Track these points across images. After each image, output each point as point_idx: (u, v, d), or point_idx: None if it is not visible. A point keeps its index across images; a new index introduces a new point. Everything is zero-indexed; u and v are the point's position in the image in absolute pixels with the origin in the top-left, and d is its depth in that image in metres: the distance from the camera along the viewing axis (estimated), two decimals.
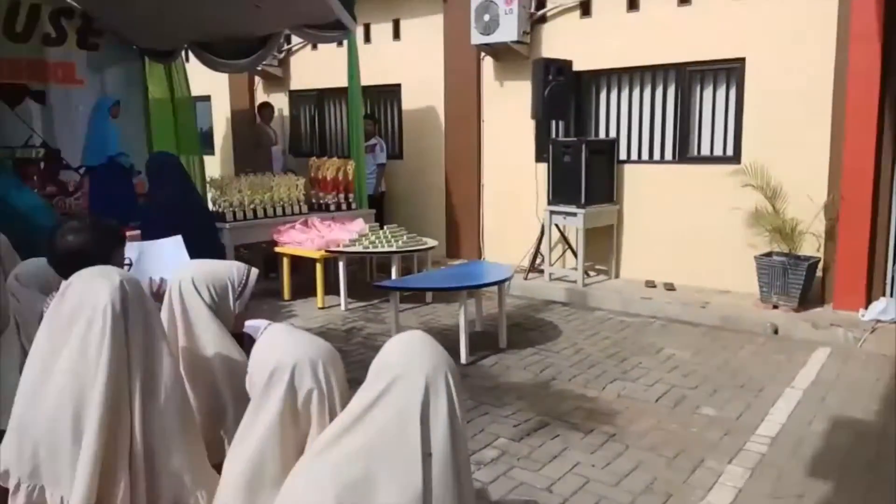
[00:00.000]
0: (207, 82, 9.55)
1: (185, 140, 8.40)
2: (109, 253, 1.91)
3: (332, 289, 6.61)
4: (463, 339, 4.92)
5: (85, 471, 1.38)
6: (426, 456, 1.22)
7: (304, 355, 1.38)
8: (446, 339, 5.48)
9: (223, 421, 1.75)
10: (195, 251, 3.16)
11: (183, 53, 8.28)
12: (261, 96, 10.09)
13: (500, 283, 5.31)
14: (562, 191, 6.89)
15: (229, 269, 1.85)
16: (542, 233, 7.16)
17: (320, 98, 9.60)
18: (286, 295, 6.73)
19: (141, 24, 7.49)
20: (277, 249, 6.65)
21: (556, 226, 7.14)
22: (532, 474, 3.40)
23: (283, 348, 1.41)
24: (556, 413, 4.14)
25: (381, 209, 8.18)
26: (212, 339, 1.75)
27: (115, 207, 6.16)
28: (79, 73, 7.92)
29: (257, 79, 10.03)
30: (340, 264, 6.37)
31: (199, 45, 7.60)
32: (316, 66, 9.32)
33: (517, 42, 7.29)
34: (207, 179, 6.72)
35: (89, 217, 2.09)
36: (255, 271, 1.90)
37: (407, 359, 1.28)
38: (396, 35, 8.58)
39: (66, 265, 1.88)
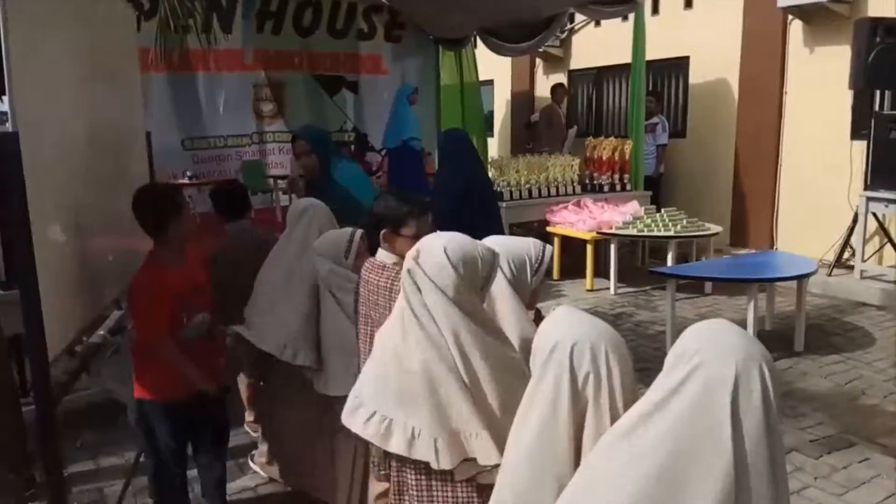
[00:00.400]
0: (491, 67, 9.98)
1: (471, 123, 8.87)
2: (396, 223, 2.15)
3: (601, 272, 6.49)
4: None
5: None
6: (738, 456, 1.08)
7: (585, 337, 1.32)
8: None
9: None
10: (480, 226, 3.30)
11: (472, 40, 8.73)
12: (540, 78, 10.24)
13: (800, 278, 4.68)
14: (885, 173, 5.81)
15: (528, 246, 1.90)
16: (855, 222, 6.13)
17: (599, 76, 9.41)
18: (555, 275, 6.77)
19: (437, 15, 8.08)
20: (549, 229, 6.71)
21: (874, 215, 6.05)
22: (833, 498, 2.95)
23: (564, 328, 1.37)
24: (865, 433, 3.52)
25: (658, 191, 7.77)
26: (510, 313, 1.81)
27: (408, 185, 6.76)
28: (384, 64, 8.85)
29: (538, 60, 10.18)
30: (612, 247, 6.20)
31: (486, 31, 7.96)
32: (597, 44, 9.14)
33: (836, 1, 6.28)
34: (489, 160, 7.04)
35: (401, 192, 2.30)
36: (549, 248, 1.92)
37: (712, 346, 1.15)
38: (688, 3, 7.99)
39: (378, 231, 2.12)
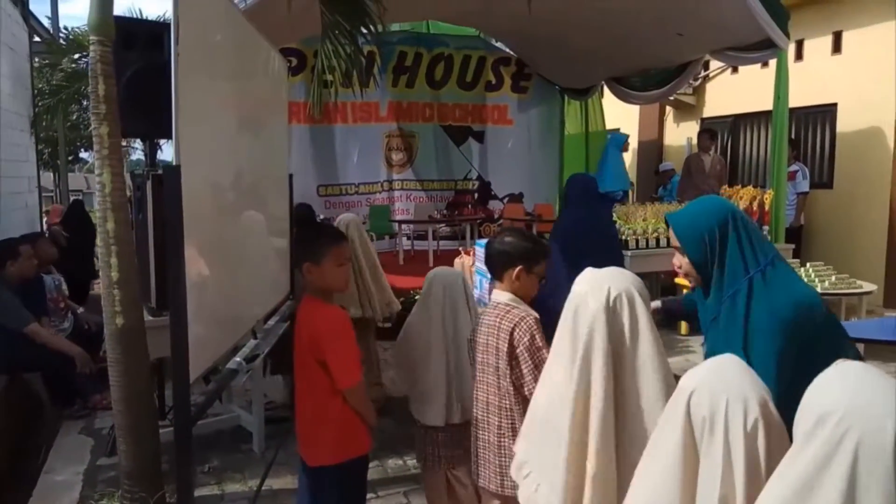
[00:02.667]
0: (617, 114, 9.87)
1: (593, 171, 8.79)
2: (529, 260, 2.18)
3: None
4: None
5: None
6: None
7: (706, 382, 1.17)
8: None
9: None
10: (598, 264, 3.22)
11: (599, 89, 8.70)
12: (670, 126, 9.97)
13: None
14: None
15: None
16: None
17: (735, 124, 9.01)
18: (683, 329, 6.41)
19: (565, 66, 8.14)
20: (678, 280, 6.38)
21: None
22: None
23: (695, 374, 1.21)
24: None
25: (799, 244, 7.22)
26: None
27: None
28: (510, 114, 9.02)
29: (668, 108, 9.94)
30: None
31: (614, 79, 7.89)
32: (733, 91, 8.79)
33: None
34: (613, 208, 6.88)
35: (523, 231, 2.34)
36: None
37: (851, 398, 0.95)
38: (836, 48, 7.52)
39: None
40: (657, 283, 7.03)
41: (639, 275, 5.46)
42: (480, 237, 7.38)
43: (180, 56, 2.00)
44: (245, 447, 3.77)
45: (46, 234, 5.30)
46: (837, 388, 0.99)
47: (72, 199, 11.21)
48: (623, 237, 6.43)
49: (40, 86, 9.87)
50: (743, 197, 6.74)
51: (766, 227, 6.78)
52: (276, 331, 3.18)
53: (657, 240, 6.52)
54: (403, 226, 8.14)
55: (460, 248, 5.93)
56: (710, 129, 8.66)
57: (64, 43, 10.38)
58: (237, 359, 2.64)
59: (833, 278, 5.53)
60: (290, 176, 3.90)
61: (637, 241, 6.43)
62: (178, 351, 1.96)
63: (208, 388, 2.99)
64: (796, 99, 7.13)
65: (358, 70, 7.15)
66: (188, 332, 1.99)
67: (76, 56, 9.46)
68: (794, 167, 7.32)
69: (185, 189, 1.98)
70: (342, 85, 7.02)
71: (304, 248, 2.28)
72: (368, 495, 3.21)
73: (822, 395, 1.00)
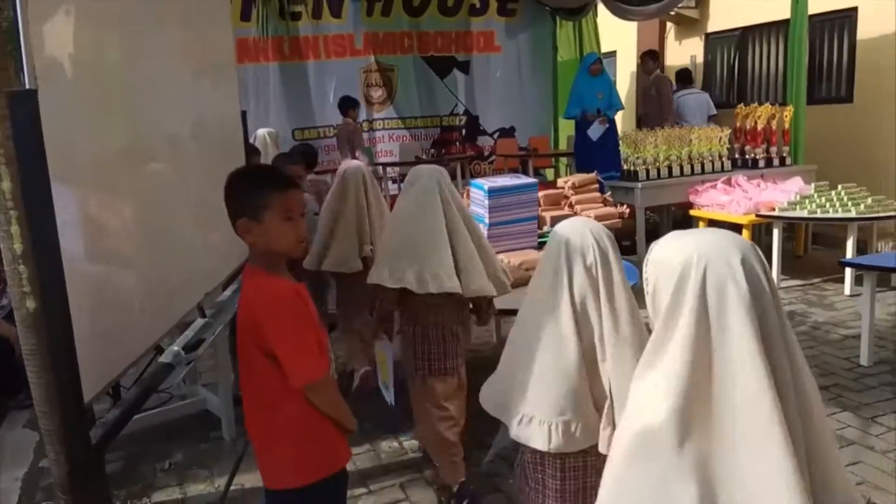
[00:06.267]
0: (613, 36, 9.09)
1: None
2: None
3: None
4: None
5: None
6: None
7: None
8: None
9: None
10: None
11: (593, 7, 7.93)
12: (671, 44, 9.18)
13: None
14: None
15: None
16: None
17: (744, 38, 8.24)
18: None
19: None
20: (693, 212, 5.81)
21: None
22: None
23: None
24: None
25: None
26: None
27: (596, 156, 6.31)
28: (497, 41, 8.29)
29: (669, 25, 9.14)
30: (775, 232, 5.22)
31: None
32: (741, 1, 8.00)
33: None
34: (620, 135, 6.24)
35: None
36: None
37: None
38: None
39: None
40: (669, 216, 6.47)
41: (650, 208, 5.02)
42: (472, 177, 6.77)
43: None
44: (214, 435, 3.24)
45: None
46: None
47: None
48: (632, 168, 5.82)
49: None
50: (761, 116, 6.09)
51: (786, 148, 6.18)
52: (231, 305, 2.59)
53: (669, 168, 5.92)
54: (388, 169, 7.50)
55: None
56: (650, 51, 7.88)
57: None
58: (174, 348, 2.05)
59: (869, 200, 4.95)
60: (244, 113, 3.24)
61: (647, 171, 5.81)
62: (60, 361, 1.39)
63: (128, 393, 2.38)
64: (812, 5, 6.41)
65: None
66: (74, 326, 1.42)
67: None
68: None
69: (63, 127, 1.37)
70: (312, 16, 6.31)
71: (237, 200, 1.62)
72: (359, 490, 2.72)
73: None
